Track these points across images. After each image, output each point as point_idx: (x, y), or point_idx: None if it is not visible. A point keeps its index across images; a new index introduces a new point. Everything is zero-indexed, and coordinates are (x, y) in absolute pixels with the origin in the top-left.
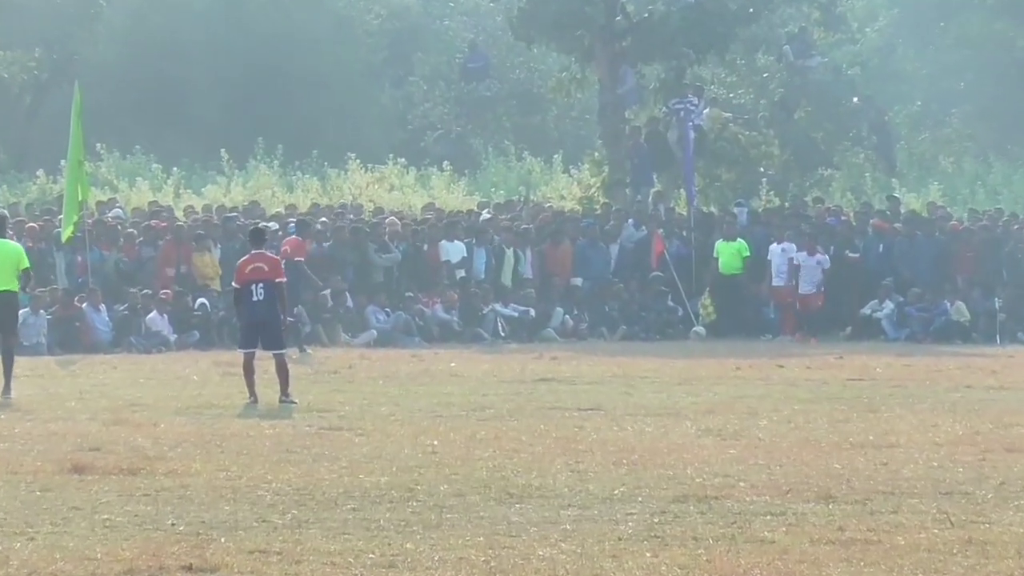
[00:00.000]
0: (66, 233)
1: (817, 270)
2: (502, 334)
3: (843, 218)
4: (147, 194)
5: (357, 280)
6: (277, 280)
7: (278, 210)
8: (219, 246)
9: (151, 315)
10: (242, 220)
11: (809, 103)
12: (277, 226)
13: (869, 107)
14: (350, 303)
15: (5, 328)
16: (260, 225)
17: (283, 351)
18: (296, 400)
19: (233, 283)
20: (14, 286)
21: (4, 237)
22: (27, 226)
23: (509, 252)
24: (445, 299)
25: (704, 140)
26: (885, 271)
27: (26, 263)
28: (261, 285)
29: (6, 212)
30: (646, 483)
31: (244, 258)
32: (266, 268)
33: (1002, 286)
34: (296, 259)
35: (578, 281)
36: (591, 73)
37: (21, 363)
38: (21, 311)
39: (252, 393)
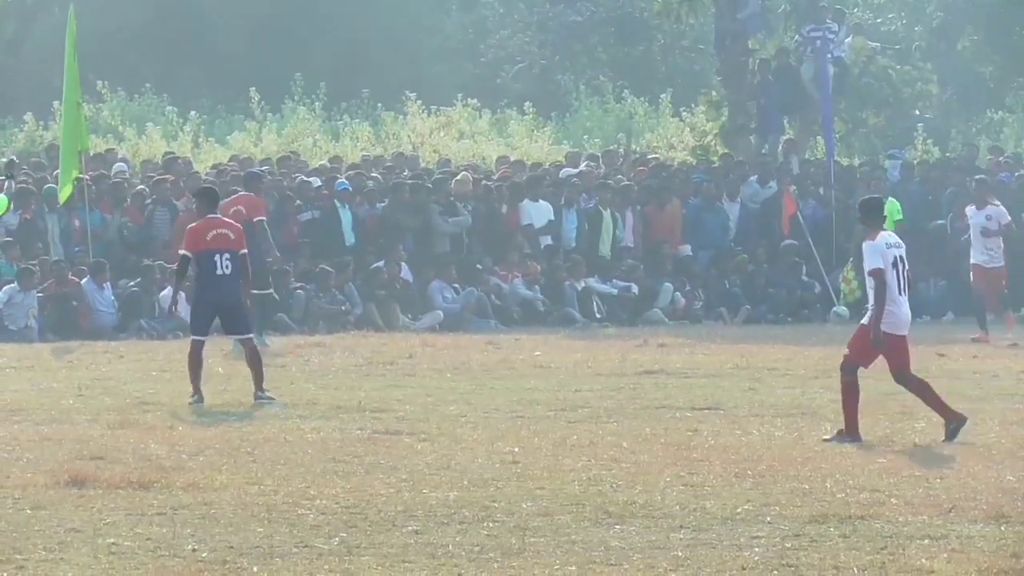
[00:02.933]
0: (64, 192)
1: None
2: (598, 316)
3: (1018, 173)
4: (159, 144)
5: (418, 250)
6: (242, 252)
7: (322, 162)
8: None
9: (165, 292)
10: (274, 175)
11: (975, 30)
12: (320, 182)
13: None
14: (410, 277)
15: None
16: (210, 185)
17: (252, 335)
18: (274, 396)
19: (182, 250)
20: None
21: None
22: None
23: (606, 215)
24: (527, 272)
25: (846, 76)
26: None
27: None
28: (227, 256)
29: None
30: (775, 500)
31: (198, 223)
32: (232, 236)
33: None
34: (256, 219)
35: (690, 250)
36: None
37: (6, 351)
38: (6, 287)
39: (197, 390)
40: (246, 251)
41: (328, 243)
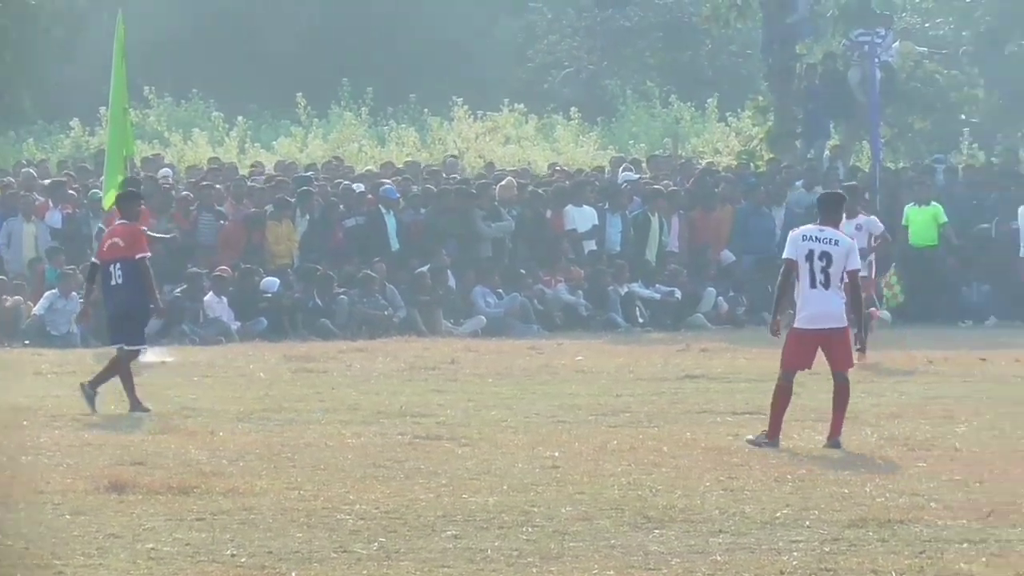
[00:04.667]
0: (108, 198)
1: None
2: (640, 320)
3: None
4: (205, 149)
5: (462, 255)
6: (138, 256)
7: (368, 167)
8: (307, 216)
9: (207, 297)
10: (321, 181)
11: None
12: (363, 187)
13: None
14: (453, 283)
15: None
16: (132, 188)
17: (133, 349)
18: (99, 392)
19: (94, 257)
20: None
21: None
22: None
23: (654, 220)
24: (570, 277)
25: (893, 81)
26: None
27: None
28: (119, 265)
29: None
30: (815, 504)
31: (108, 230)
32: (122, 243)
33: None
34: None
35: (731, 256)
36: None
37: (48, 357)
38: (47, 293)
39: (134, 400)
40: (144, 255)
41: (373, 249)
